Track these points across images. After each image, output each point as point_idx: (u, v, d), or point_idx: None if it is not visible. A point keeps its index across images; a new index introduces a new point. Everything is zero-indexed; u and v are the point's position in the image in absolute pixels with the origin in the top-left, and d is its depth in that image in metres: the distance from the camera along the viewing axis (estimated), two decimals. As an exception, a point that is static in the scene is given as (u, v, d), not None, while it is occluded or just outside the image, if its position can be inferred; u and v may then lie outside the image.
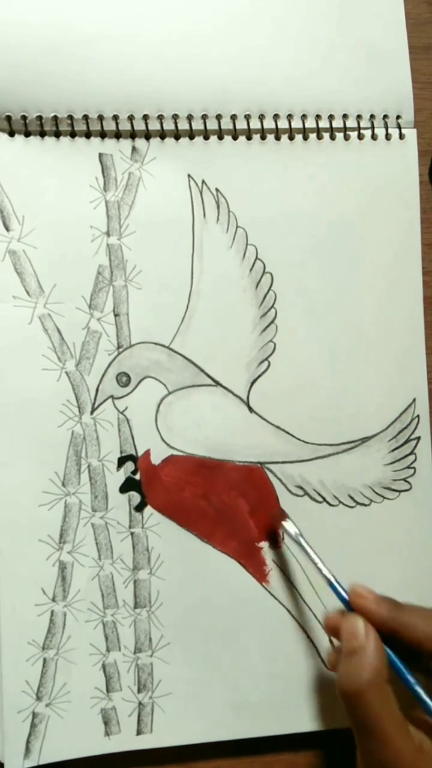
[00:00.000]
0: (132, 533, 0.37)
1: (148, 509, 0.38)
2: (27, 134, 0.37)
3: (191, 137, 0.38)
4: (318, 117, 0.39)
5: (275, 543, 0.38)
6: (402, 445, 0.40)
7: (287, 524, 0.37)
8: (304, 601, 0.38)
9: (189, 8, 0.38)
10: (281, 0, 0.39)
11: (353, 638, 0.32)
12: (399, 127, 0.40)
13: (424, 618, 0.32)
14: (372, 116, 0.40)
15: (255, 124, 0.39)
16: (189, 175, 0.38)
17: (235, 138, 0.39)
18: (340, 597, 0.34)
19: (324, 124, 0.39)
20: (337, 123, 0.39)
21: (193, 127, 0.38)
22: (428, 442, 0.40)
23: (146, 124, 0.38)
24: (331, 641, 0.38)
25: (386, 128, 0.40)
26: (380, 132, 0.40)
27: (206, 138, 0.38)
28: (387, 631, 0.32)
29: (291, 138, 0.39)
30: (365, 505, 0.39)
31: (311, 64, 0.39)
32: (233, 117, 0.38)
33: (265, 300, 0.39)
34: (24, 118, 0.37)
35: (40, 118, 0.37)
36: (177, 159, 0.38)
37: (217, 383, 0.38)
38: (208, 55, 0.38)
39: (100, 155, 0.38)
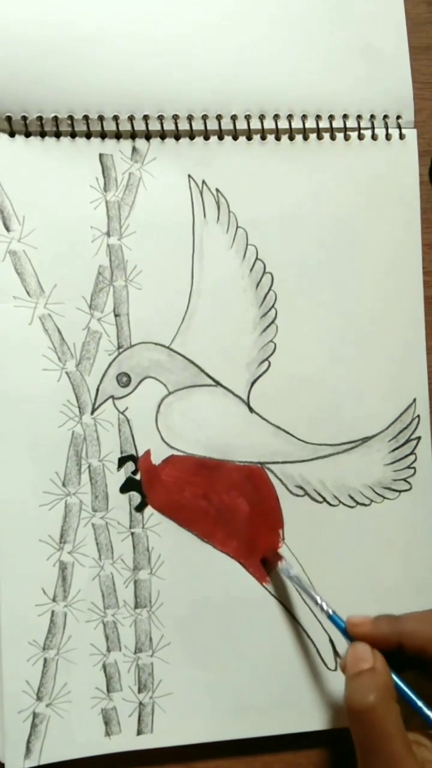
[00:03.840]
0: (132, 533, 0.37)
1: (149, 509, 0.38)
2: (27, 134, 0.37)
3: (191, 137, 0.38)
4: (318, 117, 0.39)
5: (269, 566, 0.38)
6: (402, 445, 0.40)
7: (283, 564, 0.37)
8: (304, 601, 0.38)
9: (189, 8, 0.38)
10: (281, 0, 0.39)
11: (361, 662, 0.32)
12: (399, 127, 0.40)
13: (423, 623, 0.32)
14: (372, 116, 0.40)
15: (255, 124, 0.39)
16: (189, 176, 0.38)
17: (235, 138, 0.39)
18: (341, 630, 0.34)
19: (324, 124, 0.39)
20: (337, 123, 0.39)
21: (194, 128, 0.38)
22: (428, 442, 0.40)
23: (146, 125, 0.38)
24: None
25: (386, 128, 0.40)
26: (380, 132, 0.40)
27: (206, 138, 0.38)
28: (391, 647, 0.32)
29: (291, 138, 0.39)
30: (365, 505, 0.39)
31: (311, 64, 0.39)
32: (233, 117, 0.38)
33: (265, 300, 0.39)
34: (24, 118, 0.37)
35: (40, 118, 0.37)
36: (177, 159, 0.38)
37: (218, 383, 0.38)
38: (208, 56, 0.38)
39: (101, 155, 0.38)
